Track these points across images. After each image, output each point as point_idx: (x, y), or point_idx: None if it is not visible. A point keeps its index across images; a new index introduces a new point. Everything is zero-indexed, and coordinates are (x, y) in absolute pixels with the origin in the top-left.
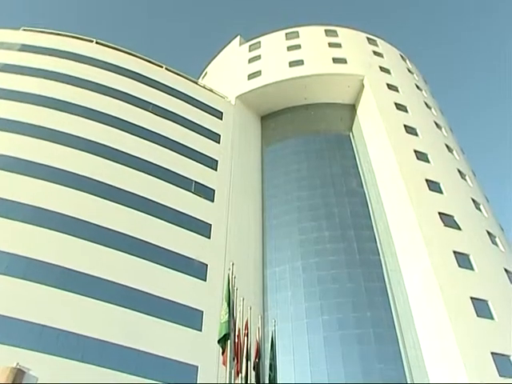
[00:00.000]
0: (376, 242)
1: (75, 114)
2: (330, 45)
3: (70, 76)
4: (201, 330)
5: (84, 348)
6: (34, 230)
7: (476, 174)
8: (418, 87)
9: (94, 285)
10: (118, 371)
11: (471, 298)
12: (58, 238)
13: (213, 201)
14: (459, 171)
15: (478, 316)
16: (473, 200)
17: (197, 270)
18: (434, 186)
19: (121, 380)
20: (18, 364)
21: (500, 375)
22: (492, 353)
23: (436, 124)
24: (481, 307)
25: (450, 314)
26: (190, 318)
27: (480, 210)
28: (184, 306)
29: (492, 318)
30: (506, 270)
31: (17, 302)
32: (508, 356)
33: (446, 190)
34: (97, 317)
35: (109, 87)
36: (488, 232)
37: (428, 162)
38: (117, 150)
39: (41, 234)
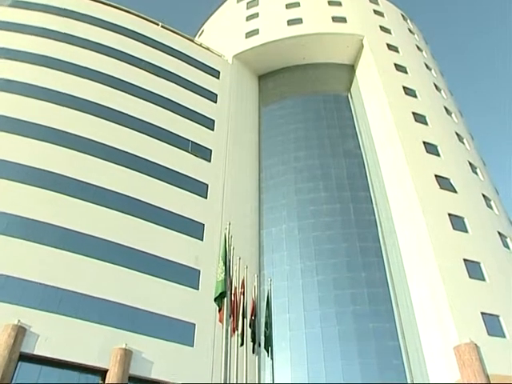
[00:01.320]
0: (372, 203)
1: (69, 73)
2: (330, 3)
3: (63, 33)
4: (198, 289)
5: (83, 306)
6: (30, 191)
7: (474, 138)
8: (418, 48)
9: (92, 244)
10: (117, 328)
11: (464, 259)
12: (54, 198)
13: (209, 161)
14: (457, 134)
15: (470, 277)
16: (469, 163)
17: (194, 229)
18: (431, 148)
19: (119, 337)
20: (19, 321)
21: (489, 334)
22: (482, 313)
23: (435, 86)
24: (473, 269)
25: (443, 275)
26: (187, 276)
27: (476, 173)
28: (181, 265)
29: (484, 279)
30: (499, 233)
31: (17, 261)
32: (497, 316)
33: (444, 152)
34: (95, 275)
35: (103, 45)
36: (483, 195)
37: (426, 124)
38: (112, 109)
39: (37, 195)
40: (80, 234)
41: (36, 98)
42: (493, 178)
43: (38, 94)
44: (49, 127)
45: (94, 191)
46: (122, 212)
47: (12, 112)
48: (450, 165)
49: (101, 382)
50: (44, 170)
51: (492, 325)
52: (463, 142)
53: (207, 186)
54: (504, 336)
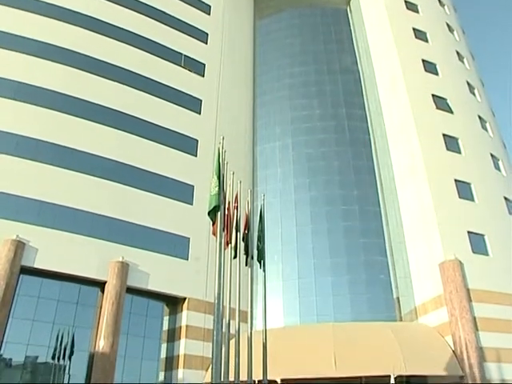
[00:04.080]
0: (367, 122)
1: None
2: None
3: None
4: (192, 204)
5: (80, 221)
6: (25, 108)
7: (474, 57)
8: None
9: (86, 161)
10: (114, 242)
11: (455, 180)
12: (49, 115)
13: (203, 75)
14: (458, 53)
15: (459, 197)
16: (468, 83)
17: (187, 145)
18: (429, 66)
19: (117, 251)
20: (17, 236)
21: (473, 252)
22: (468, 232)
23: (439, 1)
24: (463, 189)
25: (434, 194)
26: (182, 192)
27: (474, 94)
28: (175, 180)
29: (473, 199)
30: (492, 155)
31: (13, 178)
32: (483, 235)
33: (442, 71)
34: (91, 192)
35: None
36: (479, 117)
37: (426, 41)
38: (104, 22)
39: (32, 112)
40: (75, 151)
41: (28, 11)
42: (490, 100)
43: (30, 6)
44: (42, 42)
45: (88, 108)
46: (116, 128)
47: (3, 26)
48: (447, 84)
49: (100, 293)
50: (38, 87)
51: (477, 243)
52: (463, 62)
53: (201, 101)
54: (487, 254)
